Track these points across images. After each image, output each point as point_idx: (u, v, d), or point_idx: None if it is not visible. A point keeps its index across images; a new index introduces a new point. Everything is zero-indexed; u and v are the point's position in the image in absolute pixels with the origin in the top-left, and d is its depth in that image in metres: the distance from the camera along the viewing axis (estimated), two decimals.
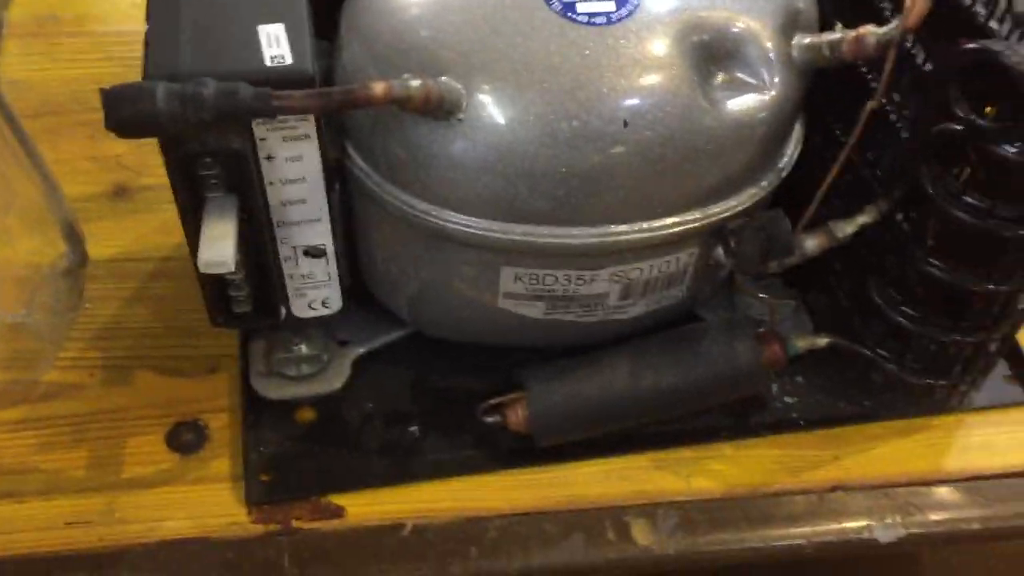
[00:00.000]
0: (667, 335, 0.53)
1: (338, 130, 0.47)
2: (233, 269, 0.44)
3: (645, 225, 0.45)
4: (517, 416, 0.52)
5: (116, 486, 0.52)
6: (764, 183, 0.48)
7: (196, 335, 0.58)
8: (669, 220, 0.46)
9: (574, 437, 0.53)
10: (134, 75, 0.41)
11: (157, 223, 0.64)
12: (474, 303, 0.50)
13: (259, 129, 0.43)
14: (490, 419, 0.52)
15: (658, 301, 0.51)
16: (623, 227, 0.45)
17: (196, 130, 0.38)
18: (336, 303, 0.53)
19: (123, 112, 0.37)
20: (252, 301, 0.50)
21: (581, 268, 0.47)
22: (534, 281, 0.48)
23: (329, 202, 0.48)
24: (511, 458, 0.53)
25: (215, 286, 0.48)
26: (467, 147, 0.43)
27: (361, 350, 0.56)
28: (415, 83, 0.39)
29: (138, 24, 0.44)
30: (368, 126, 0.45)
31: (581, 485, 0.52)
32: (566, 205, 0.44)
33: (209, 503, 0.51)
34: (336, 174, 0.48)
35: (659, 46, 0.43)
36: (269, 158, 0.45)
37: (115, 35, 0.75)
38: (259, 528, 0.50)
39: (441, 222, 0.45)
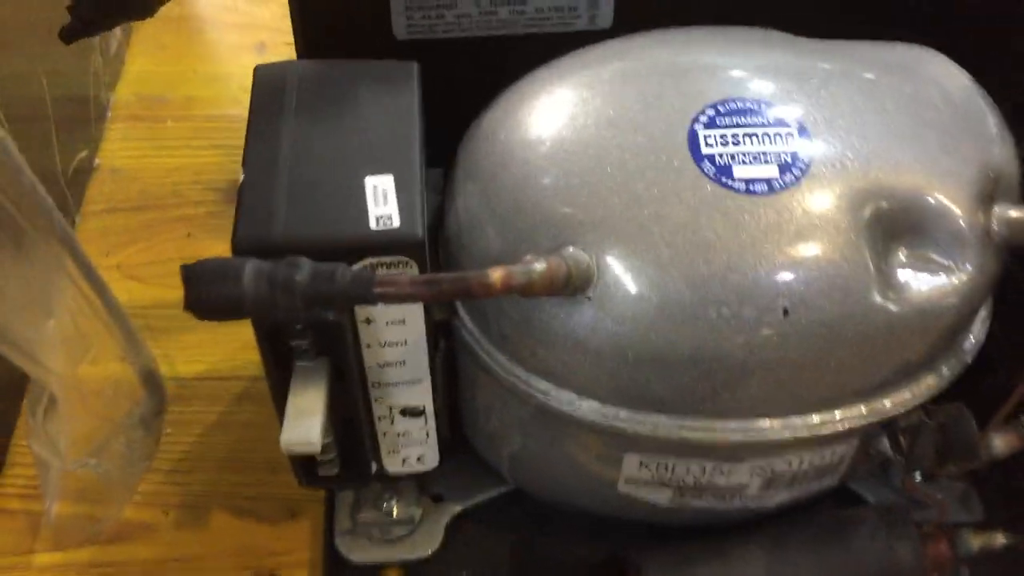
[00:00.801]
0: (812, 525, 0.45)
1: None
2: (319, 450, 0.38)
3: (798, 421, 0.38)
4: None
5: None
6: (945, 371, 0.40)
7: (278, 470, 0.53)
8: (827, 416, 0.39)
9: None
10: (235, 161, 0.36)
11: (251, 337, 0.59)
12: (589, 481, 0.43)
13: None
14: None
15: (806, 491, 0.44)
16: (771, 423, 0.38)
17: (287, 312, 0.32)
18: (432, 460, 0.47)
19: (204, 292, 0.32)
20: (341, 462, 0.44)
21: (718, 459, 0.40)
22: (663, 470, 0.41)
23: (432, 363, 0.42)
24: None
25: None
26: (594, 327, 0.36)
27: (457, 509, 0.50)
28: (539, 267, 0.33)
29: (245, 108, 0.39)
30: None
31: None
32: (705, 397, 0.37)
33: None
34: (441, 331, 0.42)
35: (830, 220, 0.36)
36: (368, 321, 0.39)
37: (222, 119, 0.71)
38: None
39: (557, 404, 0.39)
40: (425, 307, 0.39)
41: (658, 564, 0.45)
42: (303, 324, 0.37)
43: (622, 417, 0.38)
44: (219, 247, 0.64)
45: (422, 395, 0.43)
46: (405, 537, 0.48)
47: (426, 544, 0.48)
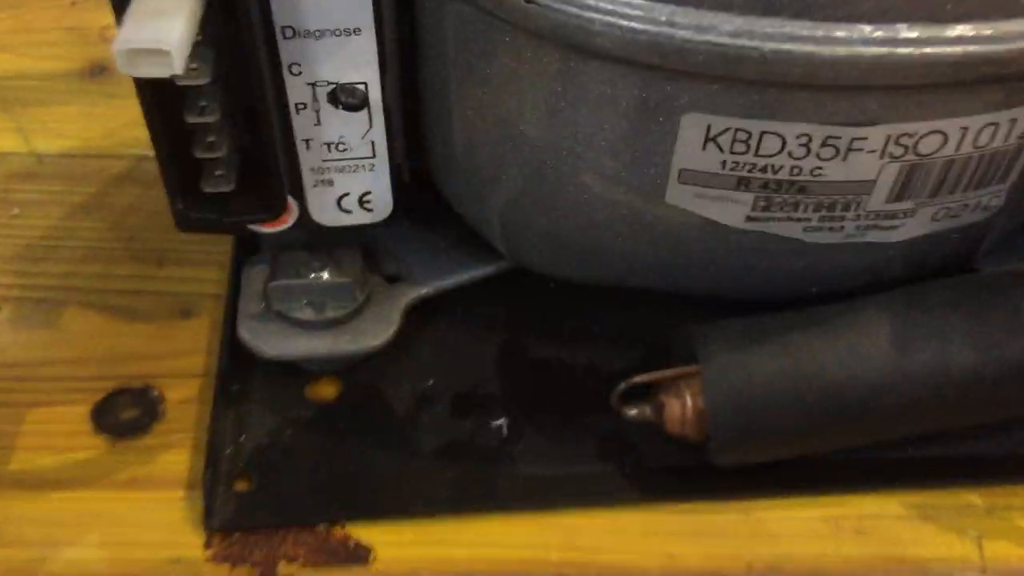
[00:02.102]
0: (950, 282, 0.30)
1: None
2: (179, 69, 0.23)
3: (969, 32, 0.23)
4: (684, 407, 0.29)
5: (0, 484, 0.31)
6: None
7: (166, 263, 0.37)
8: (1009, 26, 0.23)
9: (780, 454, 0.30)
10: None
11: (138, 113, 0.44)
12: (620, 196, 0.28)
13: None
14: (632, 411, 0.30)
15: (953, 216, 0.28)
16: (923, 30, 0.23)
17: None
18: (384, 203, 0.31)
19: None
20: (238, 173, 0.29)
21: (833, 120, 0.25)
22: (741, 145, 0.26)
23: (376, 2, 0.27)
24: (664, 482, 0.31)
25: (171, 129, 0.27)
26: None
27: (420, 291, 0.34)
28: None
29: None
30: None
31: (788, 540, 0.30)
32: None
33: (143, 522, 0.30)
34: None
35: None
36: None
37: None
38: (221, 571, 0.29)
39: (574, 12, 0.24)
40: None
41: (724, 342, 0.30)
42: None
43: (682, 22, 0.23)
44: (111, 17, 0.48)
45: (364, 64, 0.28)
46: (343, 323, 0.33)
47: (374, 333, 0.33)
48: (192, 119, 0.27)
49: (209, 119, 0.26)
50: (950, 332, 0.29)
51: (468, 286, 0.34)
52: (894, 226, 0.28)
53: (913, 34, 0.23)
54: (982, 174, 0.27)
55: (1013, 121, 0.26)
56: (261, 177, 0.29)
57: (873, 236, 0.28)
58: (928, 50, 0.23)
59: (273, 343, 0.32)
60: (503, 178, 0.30)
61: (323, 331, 0.32)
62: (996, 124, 0.26)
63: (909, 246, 0.29)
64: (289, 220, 0.31)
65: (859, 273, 0.30)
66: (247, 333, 0.32)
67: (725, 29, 0.23)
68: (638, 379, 0.30)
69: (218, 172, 0.28)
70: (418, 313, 0.34)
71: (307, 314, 0.32)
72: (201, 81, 0.26)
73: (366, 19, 0.27)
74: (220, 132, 0.27)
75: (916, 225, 0.28)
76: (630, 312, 0.34)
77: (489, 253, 0.34)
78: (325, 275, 0.32)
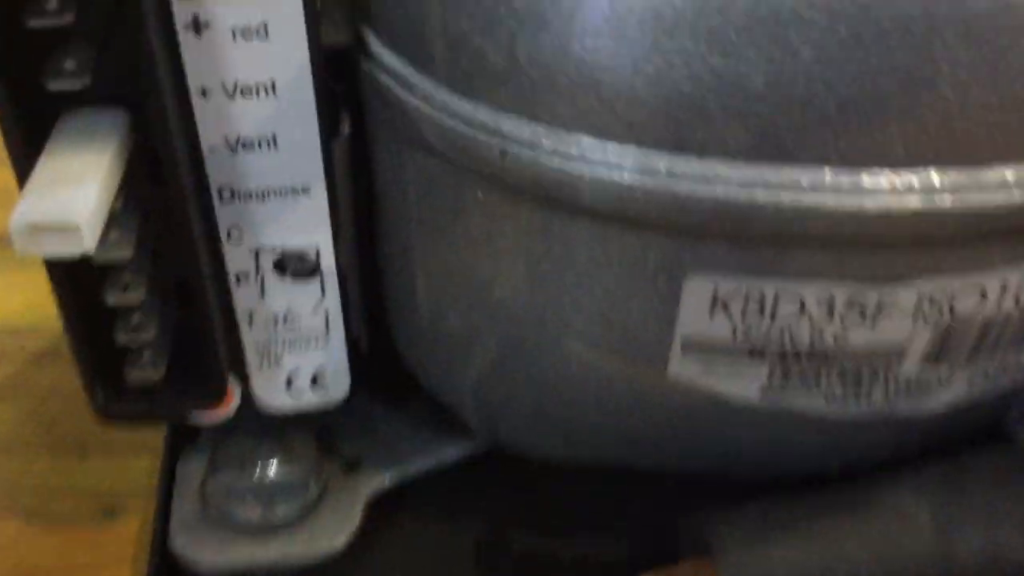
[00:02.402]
0: (991, 457, 0.27)
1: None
2: (93, 247, 0.19)
3: (1010, 176, 0.20)
4: None
5: None
6: None
7: (89, 454, 0.33)
8: None
9: None
10: None
11: None
12: (614, 370, 0.24)
13: None
14: None
15: (990, 380, 0.25)
16: (958, 175, 0.20)
17: None
18: (340, 382, 0.28)
19: None
20: (166, 358, 0.25)
21: (860, 278, 0.22)
22: (754, 309, 0.22)
23: (326, 152, 0.23)
24: None
25: (87, 311, 0.23)
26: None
27: (385, 480, 0.30)
28: None
29: None
30: None
31: None
32: (829, 119, 0.19)
33: None
34: (343, 102, 0.24)
35: None
36: (196, 25, 0.21)
37: None
38: None
39: (558, 164, 0.20)
40: (308, 12, 0.21)
41: (741, 530, 0.26)
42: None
43: (675, 171, 0.20)
44: None
45: (314, 224, 0.24)
46: (295, 525, 0.28)
47: (331, 534, 0.28)
48: (113, 299, 0.23)
49: (133, 298, 0.23)
50: (999, 515, 0.25)
51: (438, 474, 0.30)
52: (927, 395, 0.25)
53: (947, 180, 0.20)
54: (1022, 334, 0.24)
55: None
56: (196, 360, 0.25)
57: (902, 407, 0.25)
58: (965, 198, 0.20)
59: (212, 553, 0.27)
60: (476, 349, 0.26)
61: (272, 535, 0.28)
62: None
63: (941, 416, 0.26)
64: (230, 407, 0.27)
65: (884, 446, 0.27)
66: (180, 542, 0.28)
67: (734, 179, 0.20)
68: None
69: (145, 358, 0.24)
70: (382, 503, 0.29)
71: (253, 514, 0.28)
72: (122, 255, 0.22)
73: (315, 176, 0.24)
74: (147, 312, 0.24)
75: (951, 393, 0.25)
76: (625, 495, 0.30)
77: (462, 433, 0.30)
78: (273, 468, 0.28)
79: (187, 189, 0.22)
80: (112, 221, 0.21)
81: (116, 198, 0.21)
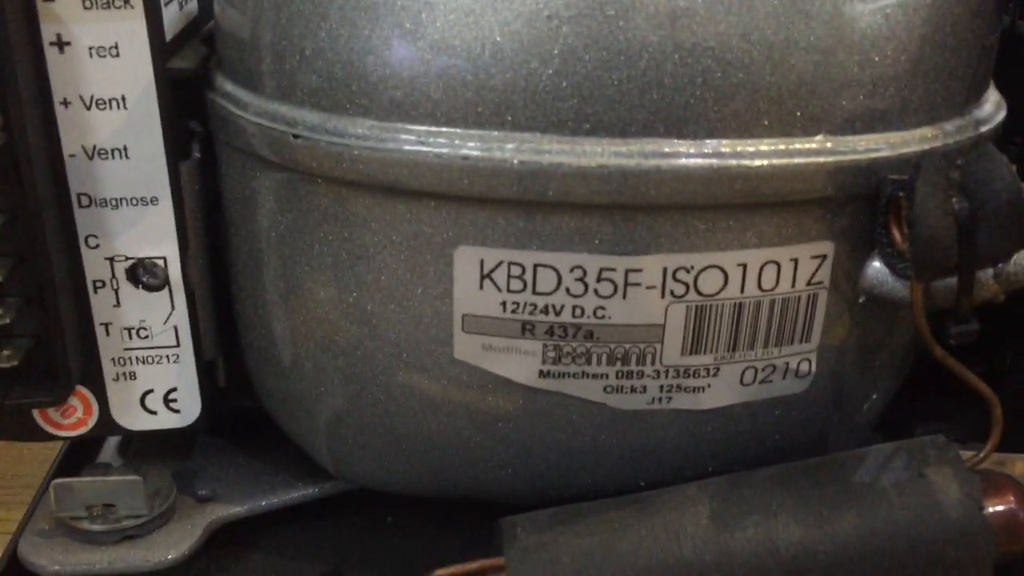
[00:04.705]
0: (787, 465, 0.28)
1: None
2: None
3: (728, 147, 0.24)
4: None
5: None
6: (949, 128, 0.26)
7: None
8: (772, 144, 0.24)
9: None
10: None
11: None
12: (412, 356, 0.27)
13: None
14: None
15: (762, 380, 0.27)
16: (682, 144, 0.24)
17: None
18: (191, 403, 0.30)
19: None
20: (22, 352, 0.28)
21: (603, 248, 0.25)
22: (517, 281, 0.25)
23: (172, 165, 0.27)
24: None
25: None
26: None
27: (232, 510, 0.31)
28: None
29: None
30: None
31: None
32: (573, 86, 0.23)
33: None
34: (195, 133, 0.28)
35: None
36: (59, 43, 0.26)
37: None
38: None
39: (344, 142, 0.24)
40: (152, 31, 0.26)
41: (532, 527, 0.27)
42: None
43: (431, 140, 0.24)
44: None
45: (162, 235, 0.28)
46: (136, 535, 0.30)
47: (167, 546, 0.30)
48: None
49: None
50: (776, 508, 0.26)
51: (286, 510, 0.32)
52: (700, 387, 0.27)
53: (665, 147, 0.24)
54: (779, 327, 0.26)
55: (794, 262, 0.25)
56: (50, 360, 0.28)
57: (680, 401, 0.27)
58: (677, 162, 0.23)
59: (53, 558, 0.29)
60: (324, 391, 0.29)
61: (113, 544, 0.29)
62: (777, 263, 0.25)
63: (729, 423, 0.27)
64: (88, 422, 0.30)
65: (685, 458, 0.28)
66: (26, 547, 0.29)
67: (476, 145, 0.24)
68: (440, 572, 0.27)
69: (4, 349, 0.27)
70: (236, 540, 0.31)
71: (96, 524, 0.29)
72: None
73: (162, 188, 0.28)
74: (7, 303, 0.27)
75: (725, 388, 0.27)
76: (476, 528, 0.31)
77: (319, 472, 0.32)
78: (123, 486, 0.30)
79: (41, 187, 0.26)
80: None
81: None
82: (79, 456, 0.33)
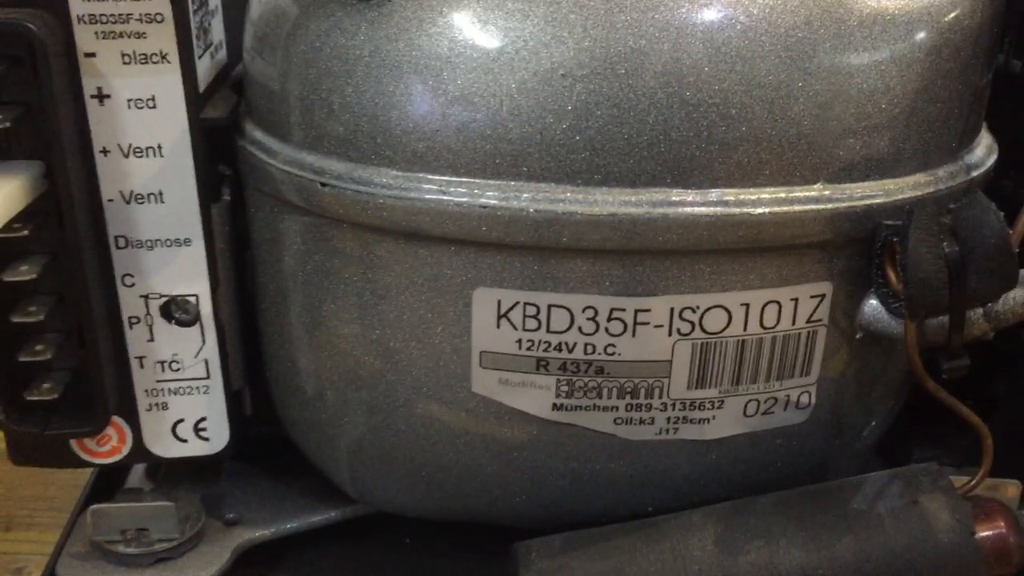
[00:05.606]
0: (787, 492, 0.29)
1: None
2: None
3: (731, 196, 0.25)
4: None
5: None
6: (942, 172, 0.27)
7: (13, 527, 0.36)
8: (773, 193, 0.25)
9: None
10: None
11: None
12: (432, 390, 0.28)
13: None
14: None
15: (764, 411, 0.28)
16: (687, 194, 0.25)
17: None
18: (220, 432, 0.32)
19: None
20: (63, 385, 0.29)
21: (614, 290, 0.26)
22: (532, 321, 0.27)
23: (205, 209, 0.29)
24: None
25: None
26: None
27: (257, 533, 0.33)
28: None
29: None
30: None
31: None
32: (585, 147, 0.25)
33: None
34: (226, 177, 0.30)
35: None
36: (100, 96, 0.27)
37: None
38: None
39: (370, 191, 0.26)
40: (187, 85, 0.27)
41: (546, 552, 0.28)
42: None
43: (451, 190, 0.25)
44: None
45: (194, 274, 0.30)
46: (168, 558, 0.31)
47: (197, 568, 0.31)
48: (17, 318, 0.28)
49: (33, 319, 0.28)
50: (777, 533, 0.27)
51: (312, 533, 0.33)
52: (705, 418, 0.28)
53: (672, 196, 0.25)
54: (780, 362, 0.28)
55: (795, 301, 0.27)
56: (88, 392, 0.30)
57: (687, 432, 0.28)
58: (683, 211, 0.25)
59: None
60: (346, 419, 0.30)
61: (147, 567, 0.31)
62: (778, 303, 0.27)
63: (733, 452, 0.29)
64: (123, 450, 0.31)
65: (691, 485, 0.29)
66: (64, 569, 0.31)
67: (494, 194, 0.25)
68: None
69: (43, 382, 0.29)
70: (262, 562, 0.32)
71: (131, 547, 0.31)
72: (27, 278, 0.27)
73: (195, 229, 0.29)
74: (47, 340, 0.28)
75: (729, 420, 0.28)
76: (491, 552, 0.32)
77: (341, 496, 0.33)
78: (156, 511, 0.31)
79: (81, 230, 0.28)
80: (21, 249, 0.27)
81: (24, 226, 0.27)
82: (109, 481, 0.34)
